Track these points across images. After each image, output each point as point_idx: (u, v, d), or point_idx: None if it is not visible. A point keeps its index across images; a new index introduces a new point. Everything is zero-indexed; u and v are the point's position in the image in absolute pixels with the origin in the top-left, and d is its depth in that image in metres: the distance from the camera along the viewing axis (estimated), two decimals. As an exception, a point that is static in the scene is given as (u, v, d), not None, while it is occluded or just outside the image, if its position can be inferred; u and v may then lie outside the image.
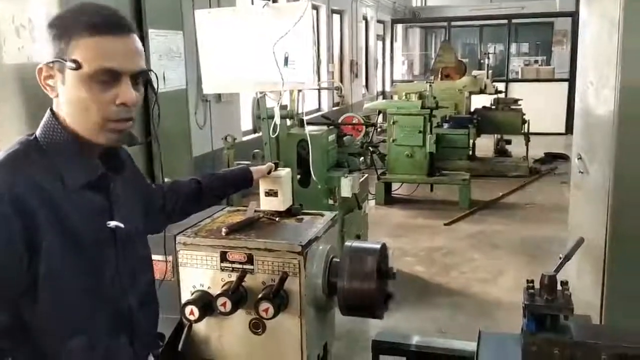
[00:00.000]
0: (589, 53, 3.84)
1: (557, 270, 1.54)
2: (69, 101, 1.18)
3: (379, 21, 13.96)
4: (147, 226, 1.50)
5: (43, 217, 1.11)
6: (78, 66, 1.14)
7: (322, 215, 2.18)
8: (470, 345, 1.86)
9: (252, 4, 7.51)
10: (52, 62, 1.17)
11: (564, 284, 1.52)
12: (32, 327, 1.15)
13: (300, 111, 4.14)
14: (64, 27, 1.17)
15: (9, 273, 1.09)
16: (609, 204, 3.41)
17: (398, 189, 7.54)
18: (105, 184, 1.27)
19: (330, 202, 4.36)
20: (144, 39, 2.58)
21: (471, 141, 8.64)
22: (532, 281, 1.56)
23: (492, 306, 4.28)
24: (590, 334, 1.51)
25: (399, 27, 16.74)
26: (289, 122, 4.12)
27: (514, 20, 14.00)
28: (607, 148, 3.41)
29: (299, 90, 3.81)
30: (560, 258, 3.50)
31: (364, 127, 7.26)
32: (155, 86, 1.32)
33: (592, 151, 3.73)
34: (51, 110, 1.24)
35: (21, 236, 1.08)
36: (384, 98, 12.40)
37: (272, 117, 2.83)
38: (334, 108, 10.04)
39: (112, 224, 1.26)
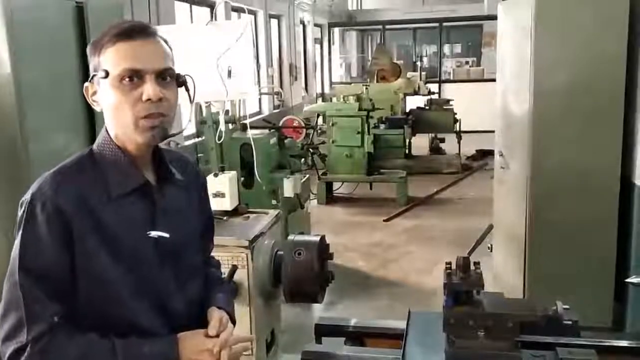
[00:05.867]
0: (507, 58, 4.19)
1: (470, 252, 1.80)
2: (106, 108, 1.30)
3: (316, 25, 14.19)
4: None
5: (80, 224, 1.24)
6: (107, 73, 1.26)
7: (266, 213, 2.38)
8: (402, 324, 2.07)
9: (192, 20, 7.59)
10: (91, 77, 1.31)
11: (477, 264, 1.77)
12: (84, 318, 1.27)
13: (242, 114, 4.30)
14: (96, 44, 1.30)
15: (54, 268, 1.23)
16: (527, 196, 3.75)
17: (339, 188, 7.79)
18: (149, 194, 1.35)
19: (274, 202, 4.54)
20: (86, 55, 2.68)
21: (407, 140, 9.02)
22: (450, 263, 1.80)
23: (429, 294, 4.55)
24: (499, 305, 1.76)
25: (336, 31, 17.07)
26: (231, 126, 4.28)
27: (445, 23, 14.57)
28: (524, 145, 3.75)
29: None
30: (488, 247, 3.81)
31: (304, 129, 7.49)
32: (192, 89, 1.39)
33: (511, 148, 4.07)
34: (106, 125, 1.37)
35: (61, 238, 1.23)
36: (323, 100, 12.64)
37: (217, 122, 2.98)
38: (275, 111, 10.19)
39: (154, 233, 1.33)
